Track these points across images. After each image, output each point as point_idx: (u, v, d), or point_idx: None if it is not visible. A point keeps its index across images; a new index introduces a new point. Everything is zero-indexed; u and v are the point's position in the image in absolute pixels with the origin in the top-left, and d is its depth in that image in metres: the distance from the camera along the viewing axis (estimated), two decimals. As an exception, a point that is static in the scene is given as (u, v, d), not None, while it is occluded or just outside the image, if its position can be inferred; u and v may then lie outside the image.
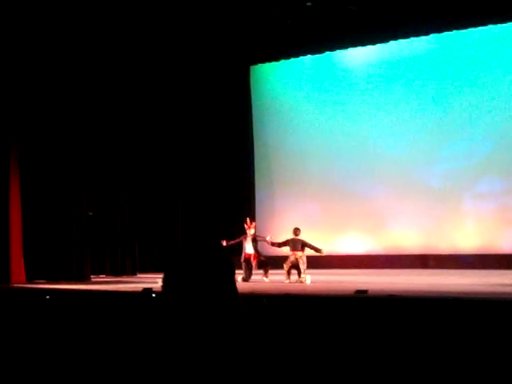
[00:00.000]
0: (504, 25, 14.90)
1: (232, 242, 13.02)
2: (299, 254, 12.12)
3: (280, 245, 12.73)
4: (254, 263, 12.53)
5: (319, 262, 13.93)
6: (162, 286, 2.14)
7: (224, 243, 12.83)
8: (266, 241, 12.98)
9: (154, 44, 15.17)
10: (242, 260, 12.56)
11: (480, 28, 15.11)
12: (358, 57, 16.82)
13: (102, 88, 14.60)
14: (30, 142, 13.48)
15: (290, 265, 12.09)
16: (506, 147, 15.04)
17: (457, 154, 15.60)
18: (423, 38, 15.79)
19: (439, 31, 15.43)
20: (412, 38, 15.85)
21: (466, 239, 15.39)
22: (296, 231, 12.44)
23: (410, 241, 16.02)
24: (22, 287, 11.82)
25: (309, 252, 12.40)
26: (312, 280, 11.75)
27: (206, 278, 2.10)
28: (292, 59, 17.44)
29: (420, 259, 15.65)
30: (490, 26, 14.97)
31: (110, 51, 14.54)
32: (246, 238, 12.81)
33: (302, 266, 11.99)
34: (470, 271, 13.45)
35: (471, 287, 9.76)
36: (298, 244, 12.26)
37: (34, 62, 13.27)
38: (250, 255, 12.59)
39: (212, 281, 2.10)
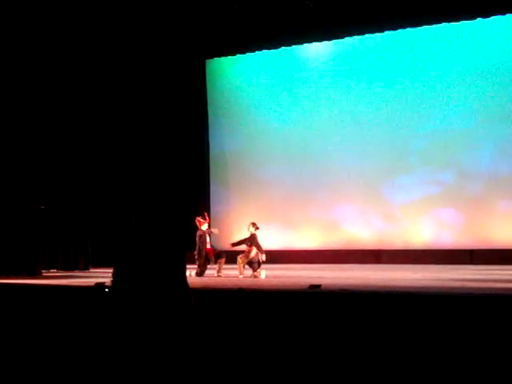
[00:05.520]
0: (457, 23, 15.18)
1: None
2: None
3: (244, 242, 12.38)
4: (212, 258, 12.47)
5: (274, 256, 13.99)
6: (112, 281, 2.12)
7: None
8: (214, 233, 12.91)
9: (106, 37, 14.97)
10: (203, 255, 12.37)
11: (435, 25, 15.34)
12: (313, 52, 16.92)
13: (54, 84, 14.38)
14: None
15: (248, 260, 12.03)
16: (464, 138, 15.35)
17: (409, 148, 15.82)
18: (378, 34, 15.96)
19: (393, 28, 15.63)
20: (367, 35, 16.03)
21: (418, 235, 15.67)
22: (256, 225, 12.31)
23: (363, 236, 16.21)
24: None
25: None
26: (266, 275, 11.77)
27: (156, 273, 2.08)
28: (248, 54, 17.44)
29: (373, 254, 15.85)
30: (444, 24, 15.23)
31: (53, 47, 14.23)
32: (205, 233, 12.69)
33: (261, 260, 11.95)
34: (421, 266, 13.71)
35: (422, 282, 9.92)
36: (258, 239, 12.18)
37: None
38: (209, 249, 12.53)
39: (162, 275, 2.08)
